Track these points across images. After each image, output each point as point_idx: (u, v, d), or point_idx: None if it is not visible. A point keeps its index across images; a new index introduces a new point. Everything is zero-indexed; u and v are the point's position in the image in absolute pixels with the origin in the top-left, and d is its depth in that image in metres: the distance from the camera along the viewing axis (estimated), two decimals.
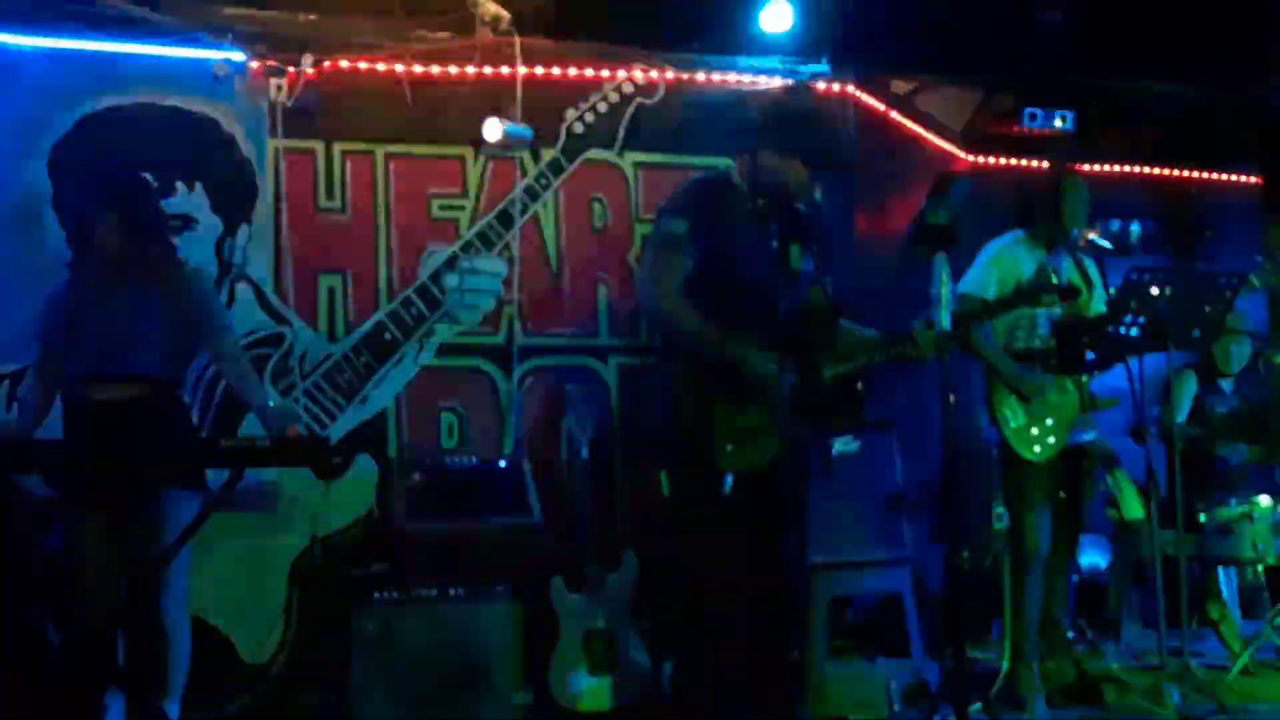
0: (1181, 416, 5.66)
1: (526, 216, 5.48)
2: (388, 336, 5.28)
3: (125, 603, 3.99)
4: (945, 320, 3.55)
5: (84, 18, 4.87)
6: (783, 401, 3.49)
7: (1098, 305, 5.14)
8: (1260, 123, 6.87)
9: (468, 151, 5.40)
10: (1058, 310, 5.03)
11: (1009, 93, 6.47)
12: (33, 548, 4.55)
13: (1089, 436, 5.11)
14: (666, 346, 3.84)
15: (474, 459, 5.07)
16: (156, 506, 4.00)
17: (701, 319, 3.59)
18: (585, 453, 5.26)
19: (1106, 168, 6.91)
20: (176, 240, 4.59)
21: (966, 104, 6.81)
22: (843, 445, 5.12)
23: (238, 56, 5.06)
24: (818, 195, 3.69)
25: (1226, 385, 6.00)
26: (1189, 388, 5.91)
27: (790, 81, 5.68)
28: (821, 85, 5.80)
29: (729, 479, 3.46)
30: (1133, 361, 4.79)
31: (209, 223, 5.08)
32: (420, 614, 4.63)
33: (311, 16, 5.20)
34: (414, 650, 4.59)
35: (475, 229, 5.42)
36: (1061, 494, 5.05)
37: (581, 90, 5.57)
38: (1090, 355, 5.08)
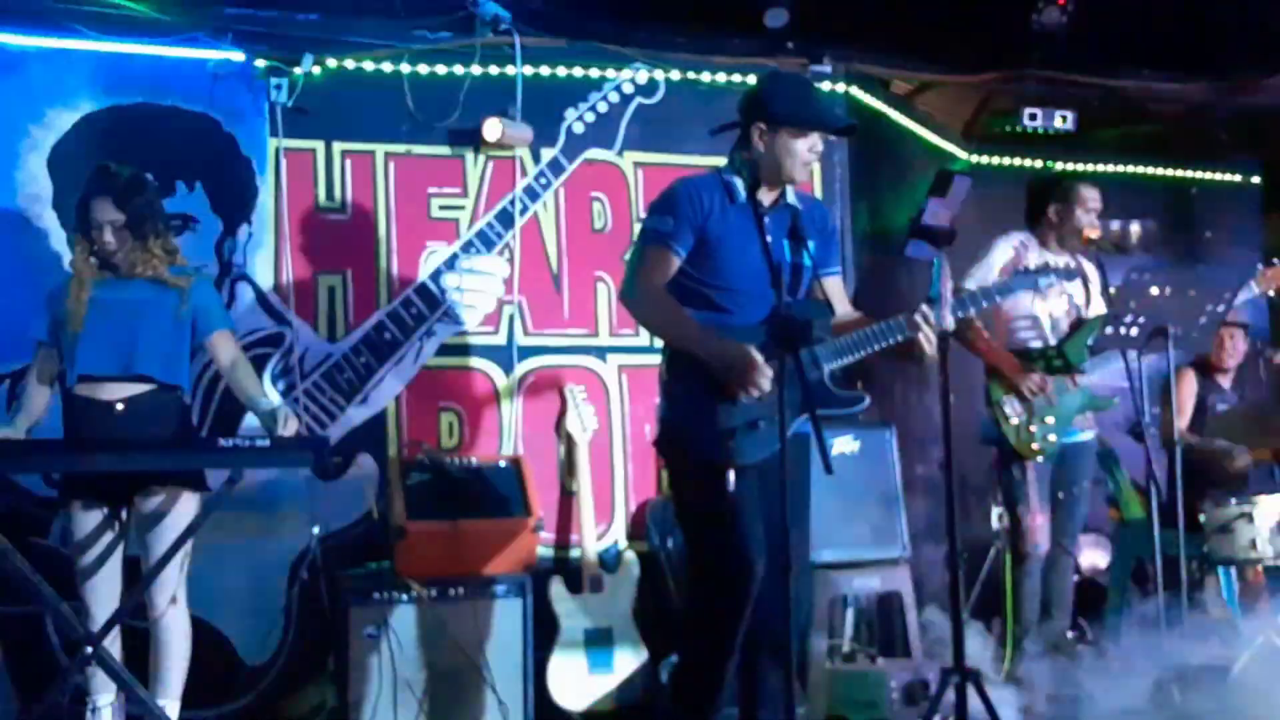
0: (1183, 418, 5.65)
1: (526, 216, 5.48)
2: (388, 336, 5.28)
3: (124, 602, 3.99)
4: (946, 320, 3.52)
5: (84, 18, 4.87)
6: (773, 392, 3.43)
7: (1097, 305, 5.15)
8: (1260, 123, 6.88)
9: (468, 151, 5.40)
10: (1058, 312, 5.05)
11: (1009, 93, 6.47)
12: (32, 547, 4.56)
13: (1088, 435, 5.12)
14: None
15: (474, 459, 5.06)
16: (156, 506, 4.00)
17: (681, 314, 3.55)
18: (586, 453, 5.27)
19: (1106, 167, 6.91)
20: (176, 240, 4.58)
21: (966, 104, 6.81)
22: (843, 445, 5.13)
23: (238, 56, 5.06)
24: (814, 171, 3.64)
25: (1226, 384, 5.99)
26: (1189, 387, 5.91)
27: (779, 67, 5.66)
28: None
29: (731, 475, 3.44)
30: (1133, 361, 4.79)
31: (209, 223, 5.07)
32: (420, 614, 4.63)
33: (311, 16, 5.21)
34: (414, 650, 4.59)
35: (475, 229, 5.42)
36: (1060, 493, 5.06)
37: (581, 90, 5.57)
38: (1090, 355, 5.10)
